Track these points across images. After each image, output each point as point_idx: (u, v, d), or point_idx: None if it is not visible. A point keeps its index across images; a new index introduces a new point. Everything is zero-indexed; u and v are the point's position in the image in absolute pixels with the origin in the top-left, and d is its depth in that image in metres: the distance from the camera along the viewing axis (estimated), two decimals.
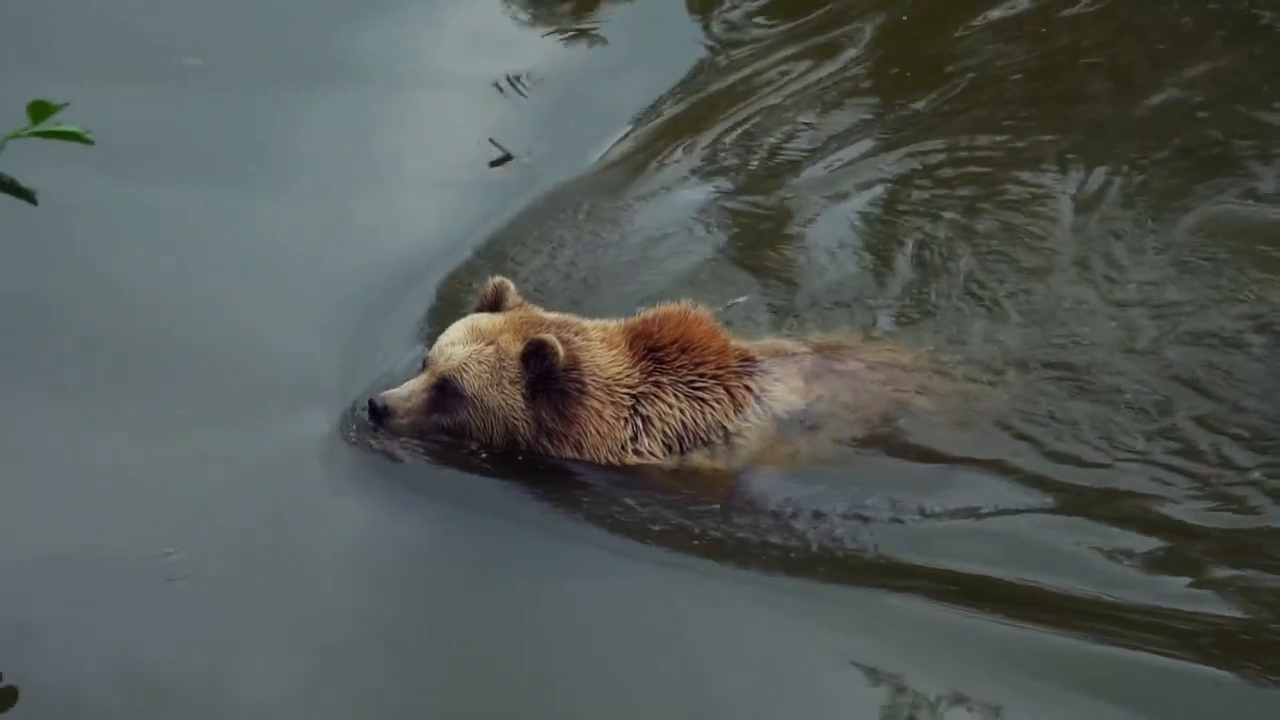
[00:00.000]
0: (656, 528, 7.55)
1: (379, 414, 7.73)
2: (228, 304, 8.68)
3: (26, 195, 5.67)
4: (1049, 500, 7.74)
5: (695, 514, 7.63)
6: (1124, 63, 10.93)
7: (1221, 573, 7.38)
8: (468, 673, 6.91)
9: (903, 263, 9.20)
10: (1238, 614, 7.15)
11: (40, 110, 5.54)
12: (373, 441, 7.82)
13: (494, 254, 9.17)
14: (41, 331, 8.35)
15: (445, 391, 7.73)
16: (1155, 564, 7.42)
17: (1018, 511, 7.68)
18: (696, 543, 7.47)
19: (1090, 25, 11.25)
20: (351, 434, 7.90)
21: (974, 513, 7.68)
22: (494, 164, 9.99)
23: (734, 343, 8.05)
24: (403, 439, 7.79)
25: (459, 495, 7.75)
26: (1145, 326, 8.63)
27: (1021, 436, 8.04)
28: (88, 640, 6.78)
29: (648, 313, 8.01)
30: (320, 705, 6.72)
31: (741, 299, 8.90)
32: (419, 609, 7.24)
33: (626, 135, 10.38)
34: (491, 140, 10.08)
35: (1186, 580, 7.32)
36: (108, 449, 7.74)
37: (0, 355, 8.17)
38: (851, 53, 11.12)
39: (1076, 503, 7.72)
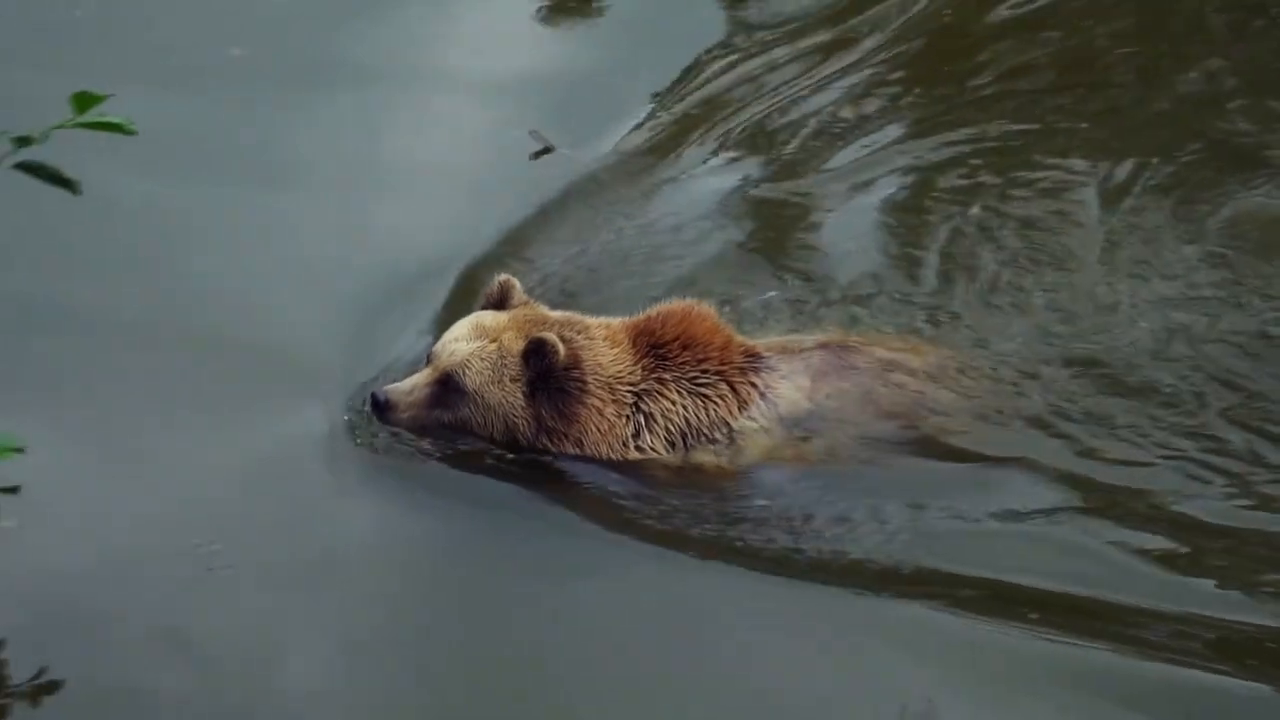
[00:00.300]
0: (667, 527, 7.55)
1: (380, 407, 7.78)
2: (243, 299, 8.75)
3: (70, 185, 5.68)
4: (1077, 501, 7.63)
5: (708, 515, 7.62)
6: (1155, 55, 10.80)
7: (1253, 576, 7.25)
8: (491, 663, 6.98)
9: (929, 257, 9.11)
10: (1270, 622, 7.01)
11: (84, 101, 5.56)
12: (376, 438, 7.90)
13: (515, 247, 9.20)
14: (58, 327, 8.40)
15: (447, 387, 7.77)
16: (1185, 567, 7.31)
17: (1044, 514, 7.58)
18: (707, 542, 7.46)
19: (1123, 16, 11.12)
20: (358, 433, 7.95)
21: (995, 515, 7.59)
22: (535, 155, 9.99)
23: (739, 339, 8.02)
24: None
25: (474, 490, 7.79)
26: (1178, 322, 8.51)
27: (1049, 435, 7.93)
28: (134, 631, 6.89)
29: (651, 310, 8.01)
30: (356, 689, 6.81)
31: (773, 293, 8.86)
32: (443, 599, 7.31)
33: (645, 126, 10.35)
34: (532, 132, 10.09)
35: (1213, 583, 7.23)
36: (132, 442, 7.83)
37: (19, 350, 8.23)
38: (881, 39, 11.06)
39: (1105, 504, 7.61)
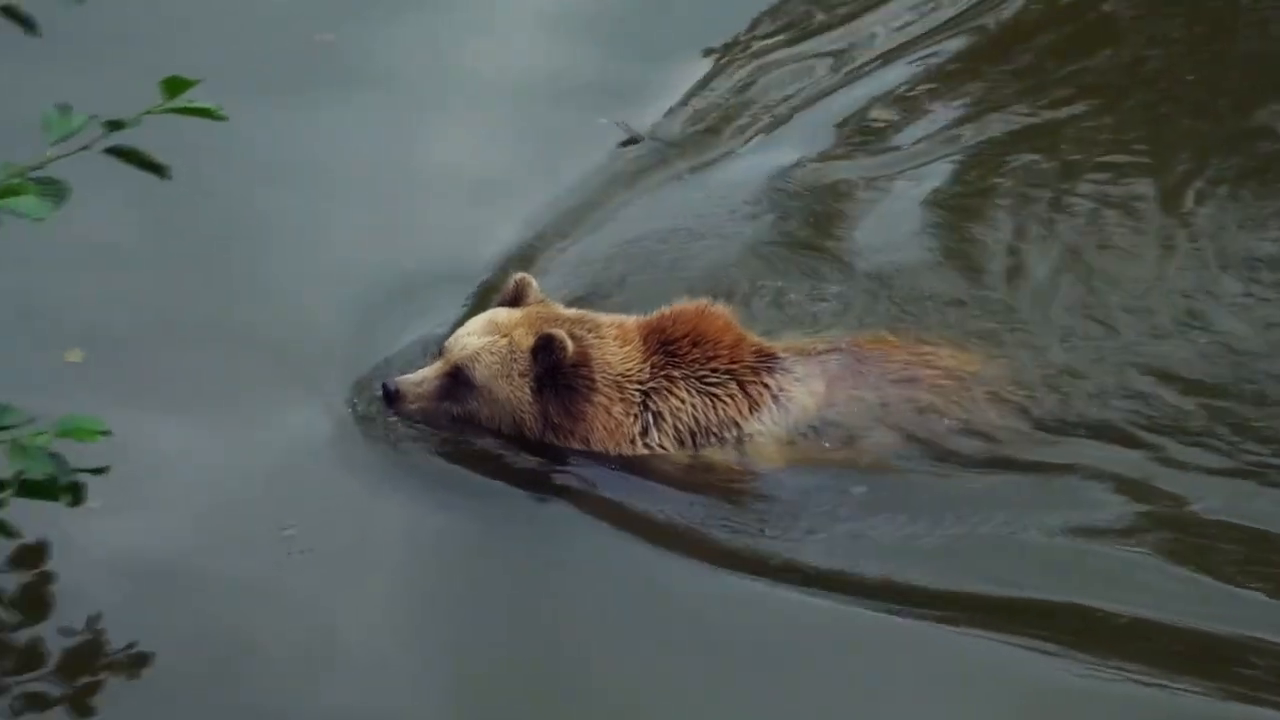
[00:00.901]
0: (684, 526, 7.62)
1: (390, 397, 7.90)
2: (269, 297, 8.84)
3: (159, 170, 5.72)
4: (1111, 517, 7.44)
5: (723, 518, 7.64)
6: (1219, 53, 10.49)
7: None
8: (515, 654, 7.12)
9: (986, 254, 8.96)
10: None
11: (174, 85, 5.58)
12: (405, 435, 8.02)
13: (546, 246, 9.27)
14: (96, 320, 8.53)
15: (457, 380, 7.87)
16: (1252, 584, 7.11)
17: (1089, 530, 7.40)
18: (717, 545, 7.51)
19: (1186, 13, 10.84)
20: (374, 425, 8.07)
21: (1027, 530, 7.42)
22: (622, 145, 10.02)
23: (752, 338, 8.02)
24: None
25: (491, 482, 7.90)
26: (1243, 325, 8.36)
27: (1097, 444, 7.76)
28: (218, 607, 7.15)
29: (665, 308, 8.03)
30: (408, 664, 7.00)
31: (834, 288, 8.78)
32: (465, 584, 7.44)
33: (685, 114, 10.33)
34: (618, 123, 10.12)
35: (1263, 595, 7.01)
36: (175, 434, 7.92)
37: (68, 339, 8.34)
38: (933, 24, 10.93)
39: (1139, 521, 7.41)
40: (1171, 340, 8.29)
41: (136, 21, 10.21)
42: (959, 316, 8.53)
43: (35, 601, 6.88)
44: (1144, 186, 9.34)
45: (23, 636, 6.74)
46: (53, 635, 6.74)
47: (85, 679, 6.62)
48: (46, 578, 6.97)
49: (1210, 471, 7.61)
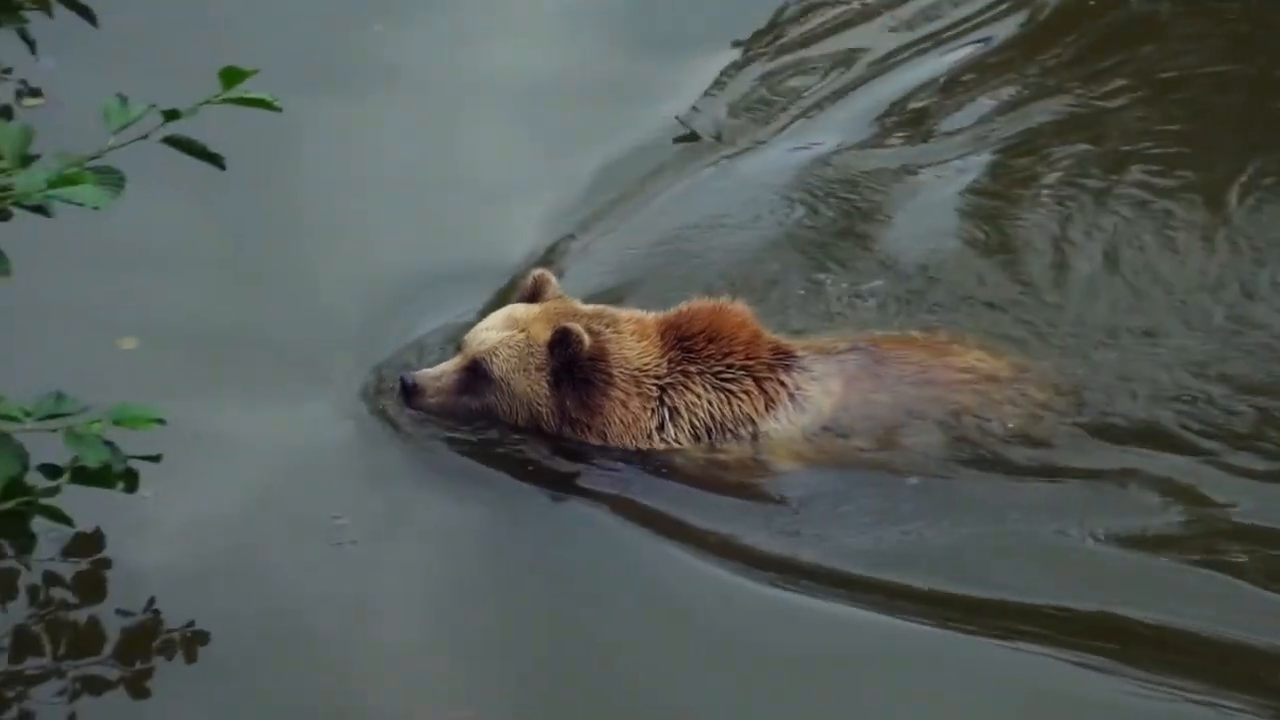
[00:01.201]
0: (697, 520, 7.67)
1: (409, 391, 7.95)
2: (324, 290, 8.96)
3: (216, 160, 5.76)
4: (1150, 523, 7.34)
5: (736, 518, 7.67)
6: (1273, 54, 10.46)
7: None
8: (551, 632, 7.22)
9: (1023, 252, 8.89)
10: None
11: (232, 76, 5.63)
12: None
13: (584, 234, 9.35)
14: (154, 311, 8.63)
15: (475, 374, 7.92)
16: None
17: (1112, 536, 7.32)
18: (726, 542, 7.55)
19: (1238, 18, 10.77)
20: (393, 419, 8.15)
21: (1036, 534, 7.40)
22: (677, 140, 10.08)
23: (769, 336, 8.05)
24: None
25: (511, 477, 7.96)
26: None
27: (1123, 450, 7.70)
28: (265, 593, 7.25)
29: (683, 305, 8.07)
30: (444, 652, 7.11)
31: (878, 282, 8.77)
32: (489, 577, 7.54)
33: (722, 101, 10.37)
34: (678, 118, 10.19)
35: None
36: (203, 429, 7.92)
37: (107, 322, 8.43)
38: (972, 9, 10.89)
39: (1182, 528, 7.31)
40: (1214, 339, 8.24)
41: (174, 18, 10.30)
42: (994, 315, 8.52)
43: (91, 587, 6.94)
44: (1188, 181, 9.28)
45: (80, 620, 6.81)
46: (109, 619, 6.81)
47: (140, 664, 6.69)
48: (102, 564, 7.03)
49: (1254, 475, 7.54)
